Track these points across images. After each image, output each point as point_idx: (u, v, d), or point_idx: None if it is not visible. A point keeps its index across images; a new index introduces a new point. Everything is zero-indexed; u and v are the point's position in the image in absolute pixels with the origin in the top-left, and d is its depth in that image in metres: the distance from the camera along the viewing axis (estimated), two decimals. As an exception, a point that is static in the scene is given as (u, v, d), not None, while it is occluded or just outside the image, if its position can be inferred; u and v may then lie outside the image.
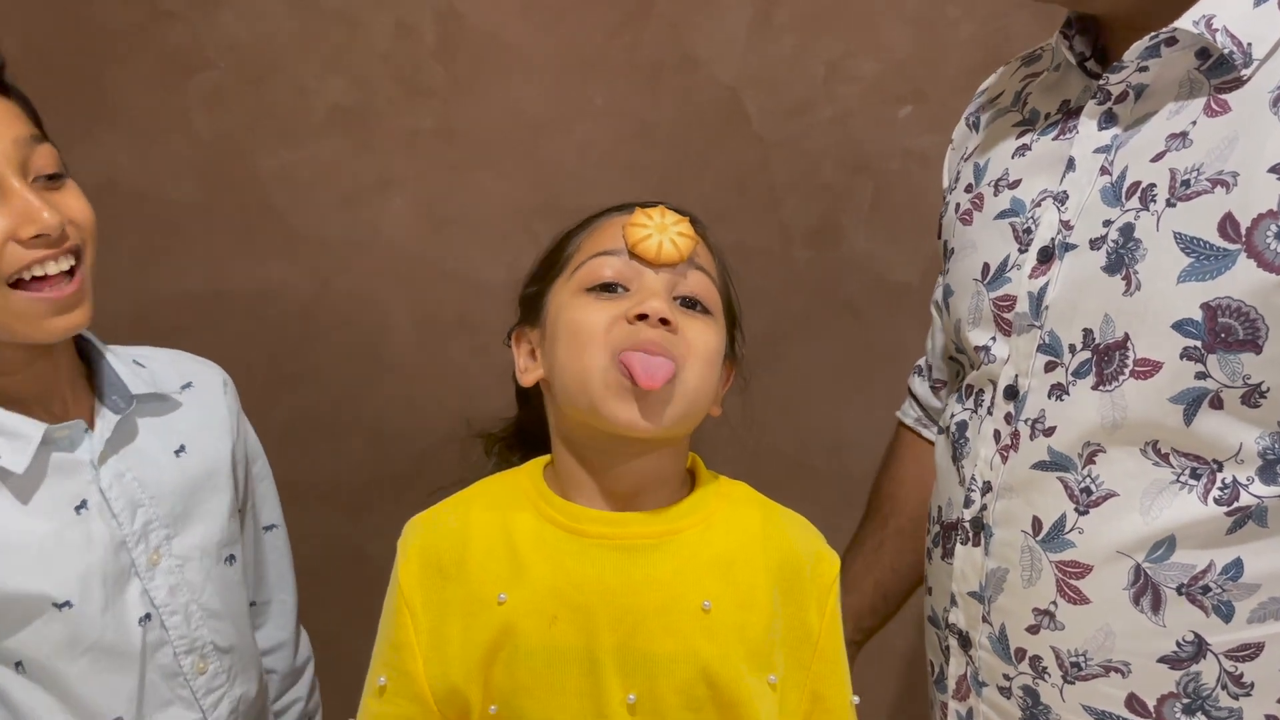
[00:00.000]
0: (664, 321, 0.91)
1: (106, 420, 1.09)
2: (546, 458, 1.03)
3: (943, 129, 1.42)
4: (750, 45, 1.43)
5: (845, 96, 1.43)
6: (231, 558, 1.16)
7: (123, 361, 1.14)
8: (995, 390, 0.98)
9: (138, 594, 1.07)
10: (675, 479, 1.00)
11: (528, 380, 1.00)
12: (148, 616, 1.07)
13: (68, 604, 1.02)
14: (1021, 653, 0.96)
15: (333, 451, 1.56)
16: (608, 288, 0.93)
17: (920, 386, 1.24)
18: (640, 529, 0.94)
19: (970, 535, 1.00)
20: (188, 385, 1.20)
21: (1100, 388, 0.89)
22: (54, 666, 1.03)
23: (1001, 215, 0.99)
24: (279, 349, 1.55)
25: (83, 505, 1.05)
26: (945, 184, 1.15)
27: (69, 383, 1.09)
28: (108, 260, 1.56)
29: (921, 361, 1.26)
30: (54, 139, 1.54)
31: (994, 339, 0.98)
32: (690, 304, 0.95)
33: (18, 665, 1.02)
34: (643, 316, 0.90)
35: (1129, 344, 0.87)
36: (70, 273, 1.02)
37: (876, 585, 1.24)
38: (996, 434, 0.98)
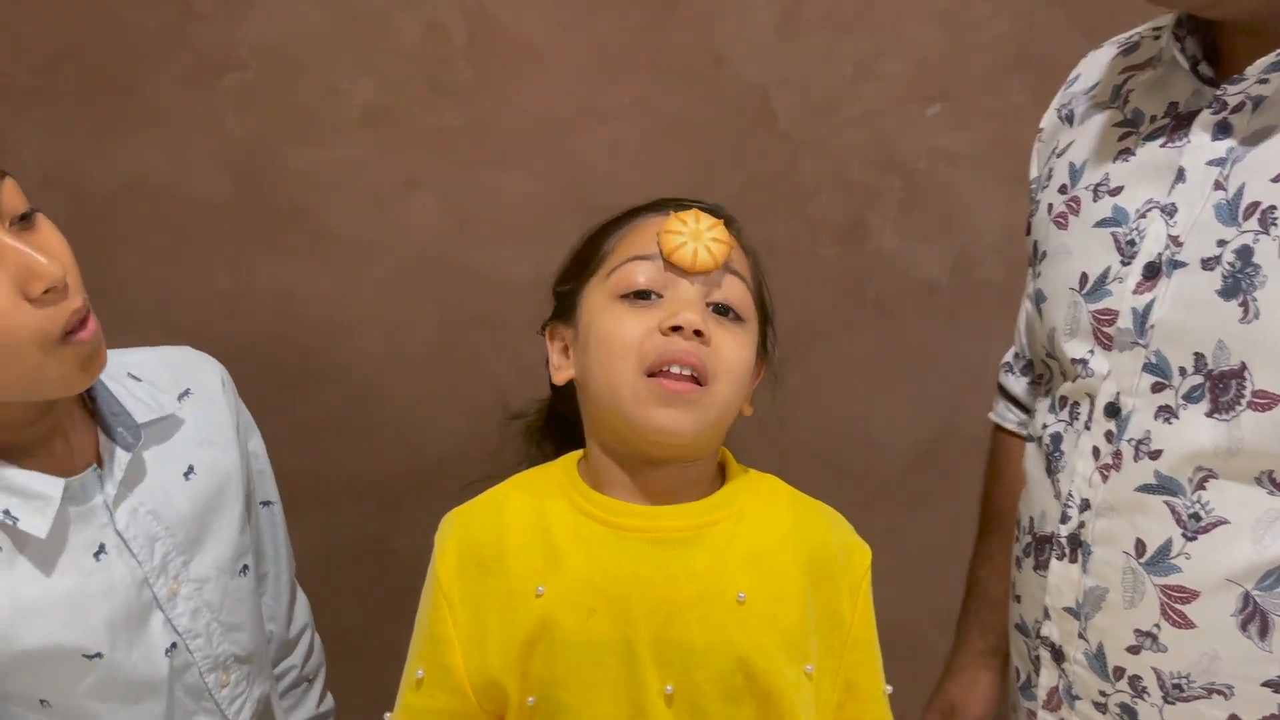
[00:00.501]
0: (697, 333, 0.91)
1: (118, 460, 1.03)
2: (579, 453, 1.04)
3: (971, 127, 1.42)
4: (778, 44, 1.43)
5: (873, 95, 1.43)
6: (245, 568, 1.14)
7: (120, 383, 1.08)
8: (1094, 406, 0.96)
9: (160, 625, 1.05)
10: (707, 476, 1.01)
11: (560, 379, 1.01)
12: (173, 645, 1.06)
13: (98, 654, 1.00)
14: (1120, 671, 0.95)
15: (359, 448, 1.57)
16: (641, 295, 0.94)
17: (1019, 386, 1.19)
18: (674, 522, 0.95)
19: (1067, 551, 0.98)
20: (186, 394, 1.14)
21: (1215, 415, 0.86)
22: (83, 706, 1.01)
23: (1102, 224, 0.96)
24: (307, 347, 1.56)
25: (101, 550, 1.02)
26: (1033, 175, 1.12)
27: (69, 416, 1.03)
28: (137, 258, 1.58)
29: (1009, 357, 1.21)
30: (85, 139, 1.56)
31: (1092, 352, 0.96)
32: (723, 310, 0.95)
33: (42, 702, 1.00)
34: (676, 329, 0.91)
35: (1246, 374, 0.85)
36: (83, 313, 0.95)
37: None
38: (1095, 451, 0.96)
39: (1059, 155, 1.05)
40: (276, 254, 1.55)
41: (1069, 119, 1.06)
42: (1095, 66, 1.07)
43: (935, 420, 1.47)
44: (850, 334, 1.47)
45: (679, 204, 1.02)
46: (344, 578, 1.59)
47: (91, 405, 1.05)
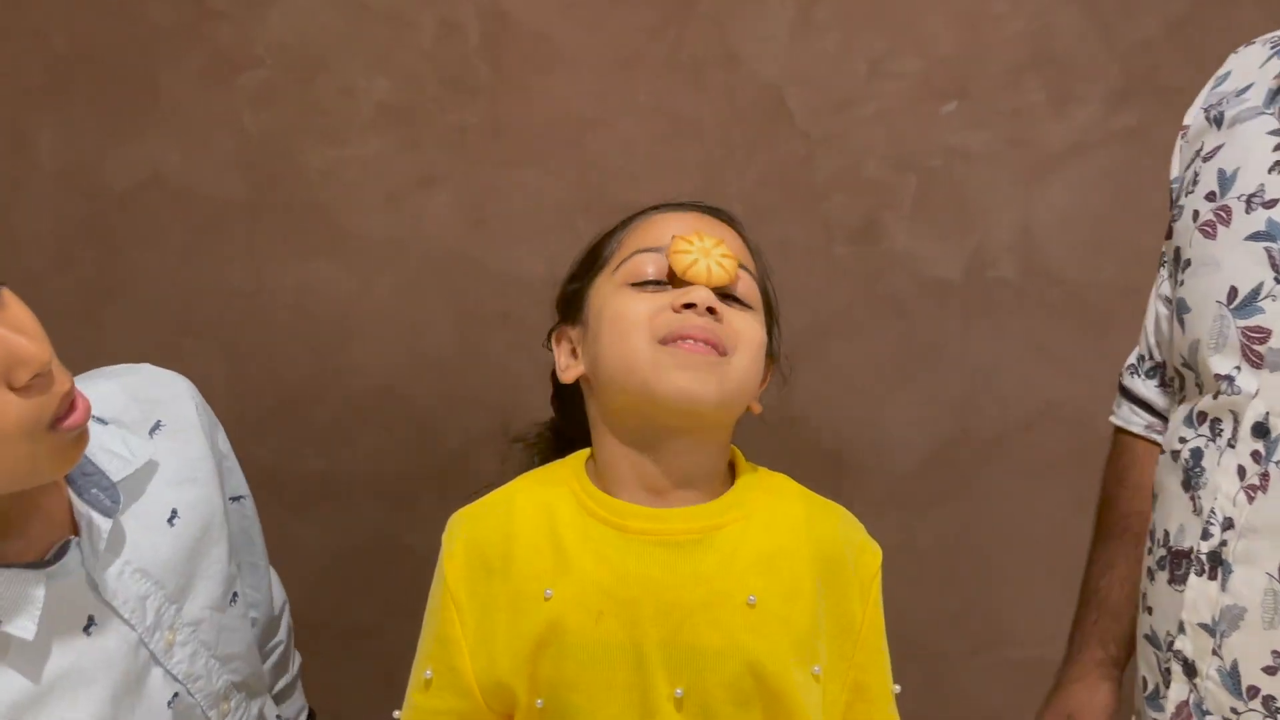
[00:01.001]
0: (710, 311, 0.91)
1: (96, 529, 0.95)
2: (587, 452, 1.04)
3: (987, 126, 1.42)
4: (793, 42, 1.43)
5: (888, 93, 1.43)
6: (234, 596, 1.08)
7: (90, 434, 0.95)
8: (1239, 424, 0.94)
9: (160, 679, 1.00)
10: (717, 473, 1.00)
11: (568, 377, 1.00)
12: (175, 695, 1.01)
13: None
14: (1254, 690, 0.94)
15: (375, 445, 1.58)
16: (650, 282, 0.94)
17: (1146, 388, 1.16)
18: (683, 524, 0.94)
19: (1206, 568, 0.97)
20: (157, 427, 1.05)
21: None
22: None
23: (1255, 237, 0.93)
24: (323, 344, 1.56)
25: (90, 623, 0.94)
26: (1174, 175, 1.09)
27: (42, 487, 0.92)
28: (153, 256, 1.59)
29: (1134, 359, 1.18)
30: (103, 137, 1.57)
31: (1239, 369, 0.94)
32: (732, 298, 0.95)
33: None
34: (690, 305, 0.91)
35: None
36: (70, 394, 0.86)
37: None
38: (1241, 470, 0.94)
39: (1205, 159, 1.02)
40: (292, 252, 1.55)
41: (1217, 121, 1.03)
42: (1247, 66, 1.03)
43: (948, 420, 1.46)
44: (864, 333, 1.47)
45: (680, 204, 1.02)
46: (359, 575, 1.60)
47: None
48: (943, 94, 1.43)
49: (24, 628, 0.88)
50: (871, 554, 1.00)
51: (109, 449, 0.99)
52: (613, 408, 0.96)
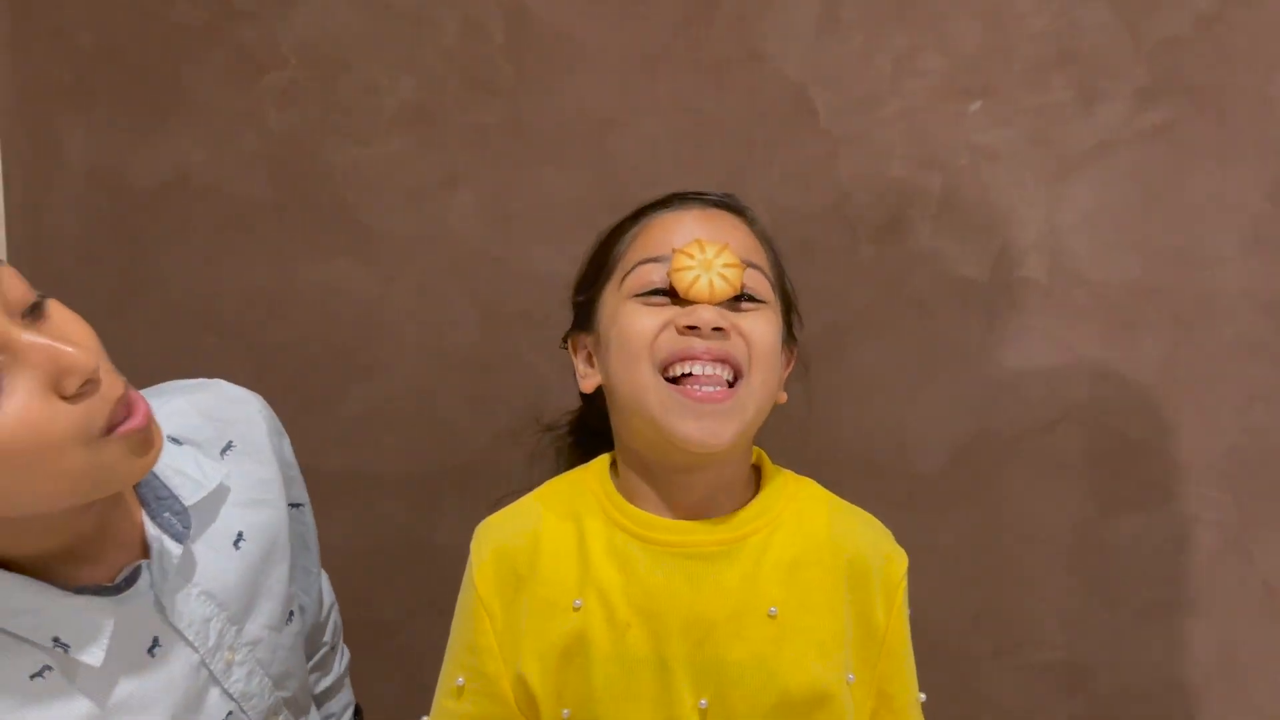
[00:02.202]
0: (716, 330, 0.90)
1: (168, 555, 0.95)
2: (610, 456, 1.04)
3: (1012, 124, 1.41)
4: (817, 41, 1.43)
5: (913, 91, 1.42)
6: (291, 615, 1.10)
7: (163, 455, 0.94)
8: None
9: (217, 697, 1.00)
10: (741, 480, 0.99)
11: (587, 386, 1.00)
12: (229, 714, 1.01)
13: None
14: None
15: (400, 444, 1.58)
16: (658, 292, 0.93)
17: None
18: (708, 537, 0.94)
19: None
20: (229, 448, 1.06)
21: None
22: None
23: None
24: (347, 343, 1.57)
25: (155, 645, 0.95)
26: None
27: (113, 506, 0.93)
28: (179, 255, 1.60)
29: None
30: (129, 136, 1.58)
31: None
32: (742, 296, 0.94)
33: None
34: (693, 328, 0.90)
35: None
36: (126, 399, 0.86)
37: None
38: None
39: None
40: (317, 251, 1.56)
41: None
42: None
43: (973, 420, 1.46)
44: (888, 332, 1.46)
45: (687, 197, 1.01)
46: (382, 573, 1.61)
47: (134, 489, 0.97)
48: (967, 92, 1.42)
49: (93, 655, 0.89)
50: (897, 561, 0.99)
51: (182, 471, 0.99)
52: (630, 427, 0.96)
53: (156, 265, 1.59)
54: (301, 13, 1.52)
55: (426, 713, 1.03)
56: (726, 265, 0.92)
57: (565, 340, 1.06)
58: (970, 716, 1.50)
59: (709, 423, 0.89)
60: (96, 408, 0.83)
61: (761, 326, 0.93)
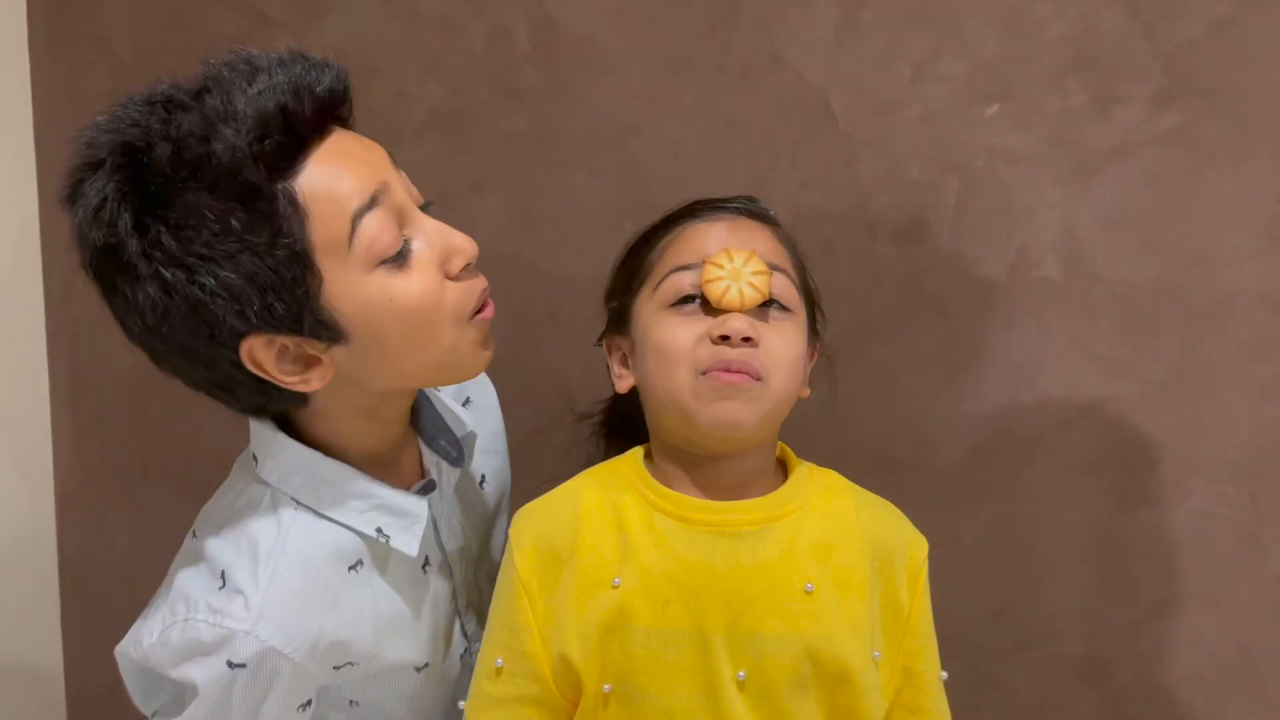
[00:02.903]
0: (746, 339, 0.95)
1: (446, 476, 1.06)
2: (643, 448, 1.07)
3: (1030, 127, 1.43)
4: (838, 46, 1.45)
5: (932, 95, 1.45)
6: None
7: (431, 396, 1.07)
8: None
9: (458, 633, 1.09)
10: (768, 471, 1.04)
11: (622, 387, 1.06)
12: (465, 650, 1.10)
13: (426, 665, 1.04)
14: None
15: (429, 442, 1.61)
16: (689, 299, 0.98)
17: None
18: (744, 516, 0.99)
19: None
20: (467, 402, 1.17)
21: None
22: (389, 709, 1.05)
23: None
24: (378, 343, 1.60)
25: (426, 563, 1.05)
26: None
27: (407, 430, 1.05)
28: (215, 258, 1.63)
29: None
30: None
31: None
32: (770, 302, 0.98)
33: (352, 703, 1.03)
34: (725, 337, 0.95)
35: None
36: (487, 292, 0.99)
37: None
38: None
39: None
40: (348, 253, 1.59)
41: None
42: None
43: (992, 418, 1.48)
44: (908, 332, 1.49)
45: (713, 205, 1.05)
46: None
47: (414, 419, 1.07)
48: (986, 96, 1.44)
49: (408, 545, 0.98)
50: (918, 545, 1.05)
51: (449, 410, 1.10)
52: (663, 423, 1.01)
53: (192, 268, 1.62)
54: (332, 21, 1.55)
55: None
56: (755, 273, 0.97)
57: (600, 341, 1.10)
58: (992, 708, 1.52)
59: (732, 404, 0.95)
60: (472, 288, 0.97)
61: (785, 341, 0.99)
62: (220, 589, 0.93)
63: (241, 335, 0.89)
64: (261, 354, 0.90)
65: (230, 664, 0.90)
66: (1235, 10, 1.38)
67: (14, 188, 1.64)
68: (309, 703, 0.96)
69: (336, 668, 0.96)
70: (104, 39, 1.63)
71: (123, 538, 1.71)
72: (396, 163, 0.99)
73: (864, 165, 1.47)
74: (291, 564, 0.94)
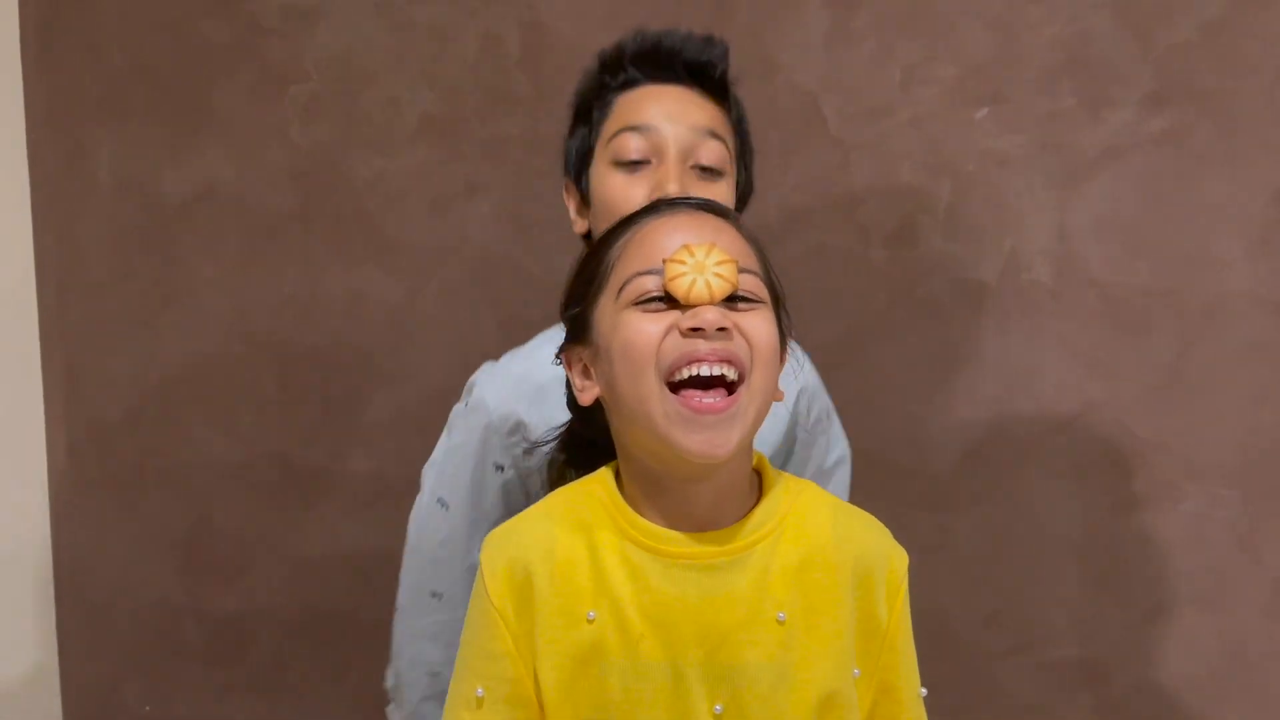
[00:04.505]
0: (721, 329, 0.91)
1: None
2: (613, 466, 1.04)
3: (1020, 130, 1.43)
4: (829, 51, 1.45)
5: (923, 99, 1.45)
6: None
7: None
8: None
9: None
10: (744, 486, 1.00)
11: (587, 399, 0.99)
12: None
13: None
14: None
15: (424, 447, 1.60)
16: (654, 299, 0.92)
17: None
18: (718, 548, 0.95)
19: None
20: None
21: None
22: None
23: None
24: (372, 349, 1.60)
25: None
26: None
27: None
28: (209, 265, 1.64)
29: None
30: (159, 150, 1.62)
31: None
32: (739, 297, 0.95)
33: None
34: (697, 329, 0.90)
35: None
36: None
37: None
38: None
39: None
40: (341, 260, 1.59)
41: None
42: None
43: (985, 421, 1.48)
44: (901, 335, 1.49)
45: (671, 203, 1.02)
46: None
47: None
48: (977, 99, 1.44)
49: None
50: (898, 559, 1.00)
51: None
52: (632, 438, 0.97)
53: (187, 276, 1.63)
54: (325, 29, 1.56)
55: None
56: (719, 263, 0.91)
57: (558, 355, 1.06)
58: (987, 711, 1.52)
59: (711, 434, 0.90)
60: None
61: (762, 325, 0.94)
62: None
63: None
64: None
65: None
66: (1225, 13, 1.38)
67: (7, 196, 1.65)
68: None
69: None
70: (97, 47, 1.64)
71: (118, 544, 1.71)
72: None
73: (855, 169, 1.47)
74: None
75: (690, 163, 1.14)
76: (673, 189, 1.11)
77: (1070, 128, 1.43)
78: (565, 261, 1.52)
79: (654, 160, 1.14)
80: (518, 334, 1.56)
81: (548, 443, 1.14)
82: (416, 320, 1.58)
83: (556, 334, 1.04)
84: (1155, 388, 1.43)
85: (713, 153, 1.14)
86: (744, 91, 1.47)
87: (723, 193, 1.14)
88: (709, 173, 1.14)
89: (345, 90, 1.56)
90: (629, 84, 1.19)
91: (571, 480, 1.06)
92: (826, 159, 1.48)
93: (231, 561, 1.67)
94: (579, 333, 0.99)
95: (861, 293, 1.49)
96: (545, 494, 1.08)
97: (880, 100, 1.46)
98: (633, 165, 1.14)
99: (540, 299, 1.55)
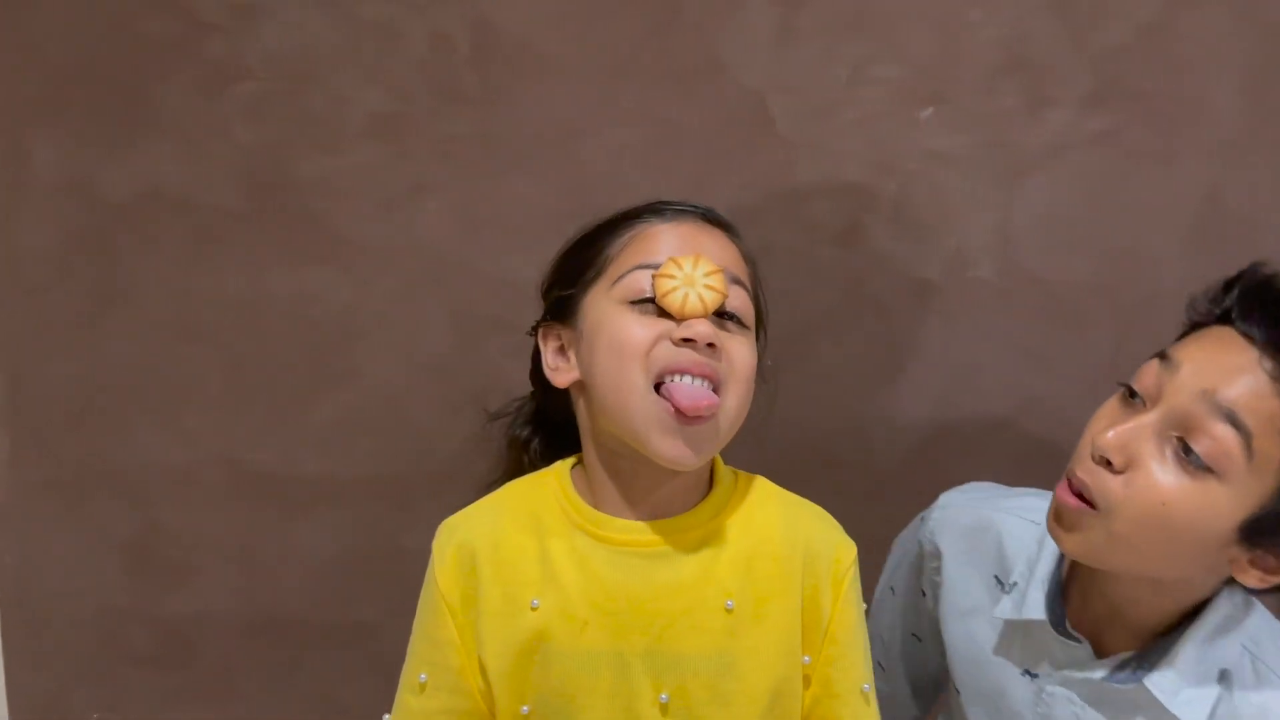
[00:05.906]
0: (710, 345, 0.93)
1: None
2: (572, 460, 1.05)
3: (963, 130, 1.46)
4: (775, 50, 1.47)
5: (868, 99, 1.47)
6: None
7: None
8: None
9: None
10: (698, 482, 1.02)
11: (561, 381, 1.01)
12: None
13: None
14: None
15: (372, 449, 1.61)
16: (650, 300, 0.95)
17: None
18: (662, 536, 0.97)
19: None
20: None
21: None
22: None
23: None
24: (320, 350, 1.59)
25: None
26: None
27: None
28: (152, 265, 1.62)
29: None
30: (100, 149, 1.59)
31: None
32: (729, 316, 0.97)
33: None
34: (689, 340, 0.92)
35: None
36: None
37: None
38: None
39: None
40: (289, 260, 1.58)
41: None
42: None
43: (930, 417, 1.50)
44: (847, 332, 1.50)
45: (672, 206, 1.03)
46: (357, 576, 1.63)
47: None
48: (921, 99, 1.46)
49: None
50: (845, 549, 1.02)
51: None
52: (601, 424, 0.98)
53: (129, 277, 1.60)
54: (269, 25, 1.54)
55: (404, 713, 1.05)
56: (708, 274, 0.93)
57: (534, 329, 1.06)
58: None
59: (685, 444, 0.92)
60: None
61: (745, 352, 0.96)
62: None
63: None
64: None
65: None
66: (1161, 15, 1.41)
67: (-56, 196, 1.61)
68: None
69: None
70: (36, 45, 1.60)
71: (63, 549, 1.68)
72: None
73: (802, 168, 1.49)
74: None
75: None
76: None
77: (1012, 127, 1.45)
78: (516, 262, 1.53)
79: None
80: (468, 334, 1.56)
81: (508, 414, 1.15)
82: (365, 320, 1.58)
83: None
84: (1095, 383, 1.46)
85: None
86: (691, 91, 1.49)
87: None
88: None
89: (291, 88, 1.55)
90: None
91: (534, 453, 1.08)
92: (773, 158, 1.49)
93: (179, 565, 1.65)
94: (563, 314, 1.01)
95: (807, 290, 1.51)
96: (503, 467, 1.10)
97: (826, 100, 1.47)
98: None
99: (490, 298, 1.56)
